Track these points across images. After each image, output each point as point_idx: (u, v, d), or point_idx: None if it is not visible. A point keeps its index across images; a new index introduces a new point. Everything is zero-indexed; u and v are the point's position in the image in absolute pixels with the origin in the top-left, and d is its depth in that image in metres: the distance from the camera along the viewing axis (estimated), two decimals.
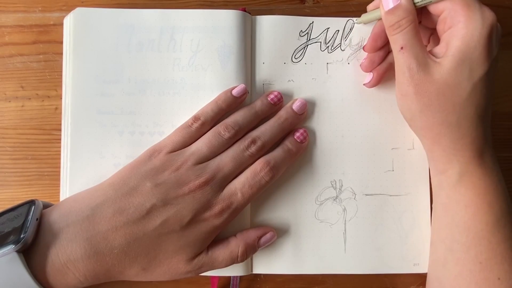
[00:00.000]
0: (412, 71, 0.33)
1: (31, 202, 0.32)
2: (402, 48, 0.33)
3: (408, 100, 0.34)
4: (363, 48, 0.39)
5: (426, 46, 0.38)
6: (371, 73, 0.38)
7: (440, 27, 0.34)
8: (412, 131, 0.36)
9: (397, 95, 0.35)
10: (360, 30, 0.39)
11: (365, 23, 0.39)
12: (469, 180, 0.34)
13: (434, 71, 0.32)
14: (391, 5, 0.34)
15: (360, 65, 0.39)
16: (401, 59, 0.33)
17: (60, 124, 0.38)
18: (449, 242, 0.34)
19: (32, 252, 0.30)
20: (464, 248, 0.33)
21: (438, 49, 0.34)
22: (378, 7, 0.36)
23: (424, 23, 0.37)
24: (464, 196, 0.34)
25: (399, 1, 0.33)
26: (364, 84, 0.39)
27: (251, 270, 0.38)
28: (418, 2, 0.34)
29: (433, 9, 0.34)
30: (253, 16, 0.39)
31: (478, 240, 0.33)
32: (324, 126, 0.39)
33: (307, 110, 0.39)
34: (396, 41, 0.34)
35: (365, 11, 0.39)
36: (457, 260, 0.34)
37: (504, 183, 0.34)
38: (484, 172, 0.34)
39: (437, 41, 0.36)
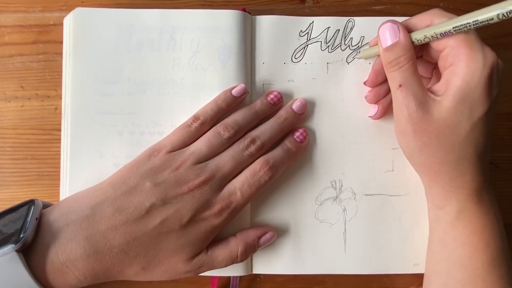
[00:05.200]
0: (410, 110, 0.32)
1: (31, 202, 0.32)
2: (400, 86, 0.33)
3: (406, 138, 0.34)
4: (364, 83, 0.38)
5: (430, 79, 0.38)
6: (376, 105, 0.38)
7: (441, 64, 0.34)
8: None
9: (396, 132, 0.35)
10: (361, 30, 0.39)
11: (365, 59, 0.39)
12: (467, 218, 0.33)
13: (433, 110, 0.32)
14: (389, 42, 0.33)
15: (365, 97, 0.38)
16: (400, 97, 0.33)
17: (60, 124, 0.38)
18: (445, 278, 0.34)
19: (32, 252, 0.30)
20: (459, 286, 0.33)
21: (438, 87, 0.33)
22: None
23: (425, 57, 0.37)
24: (462, 234, 0.34)
25: (397, 38, 0.33)
26: (369, 117, 0.39)
27: (251, 270, 0.38)
28: (418, 40, 0.33)
29: (436, 44, 0.34)
30: (253, 16, 0.39)
31: (474, 278, 0.33)
32: (324, 126, 0.39)
33: (307, 110, 0.39)
34: (394, 79, 0.33)
35: (365, 12, 0.39)
36: None
37: (501, 221, 0.34)
38: (482, 210, 0.34)
39: (439, 75, 0.35)
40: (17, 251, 0.29)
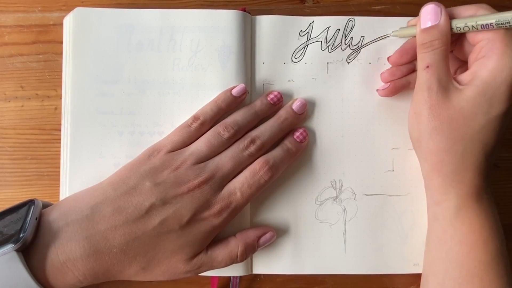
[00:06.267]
0: (431, 91, 0.33)
1: (31, 202, 0.32)
2: (427, 67, 0.33)
3: (419, 120, 0.34)
4: (388, 58, 0.38)
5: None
6: (389, 82, 0.38)
7: (473, 56, 0.34)
8: None
9: (410, 113, 0.35)
10: (361, 30, 0.39)
11: (400, 37, 0.39)
12: (465, 215, 0.33)
13: (453, 97, 0.32)
14: (428, 24, 0.34)
15: (381, 74, 0.39)
16: (424, 77, 0.33)
17: (60, 124, 0.38)
18: (441, 277, 0.34)
19: (32, 251, 0.30)
20: (456, 285, 0.33)
21: (463, 77, 0.33)
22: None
23: (456, 52, 0.37)
24: (460, 231, 0.33)
25: (437, 21, 0.33)
26: (377, 90, 0.39)
27: (251, 270, 0.38)
28: (458, 28, 0.33)
29: (472, 37, 0.34)
30: (253, 16, 0.39)
31: (470, 277, 0.33)
32: (324, 126, 0.39)
33: (307, 110, 0.39)
34: (424, 59, 0.34)
35: (365, 11, 0.39)
36: None
37: (499, 221, 0.34)
38: (481, 208, 0.33)
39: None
40: (17, 250, 0.29)
